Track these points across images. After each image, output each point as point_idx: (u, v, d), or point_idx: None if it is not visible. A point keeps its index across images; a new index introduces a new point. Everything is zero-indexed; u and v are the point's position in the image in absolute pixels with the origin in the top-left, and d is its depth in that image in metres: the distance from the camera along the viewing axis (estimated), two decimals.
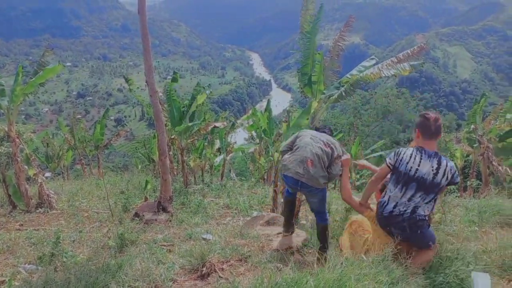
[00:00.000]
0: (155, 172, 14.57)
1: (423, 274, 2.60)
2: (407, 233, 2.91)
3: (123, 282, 2.75)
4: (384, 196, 3.18)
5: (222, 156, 12.24)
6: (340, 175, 3.83)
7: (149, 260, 3.34)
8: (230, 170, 12.98)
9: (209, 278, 3.00)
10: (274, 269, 2.92)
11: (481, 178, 9.82)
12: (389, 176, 3.33)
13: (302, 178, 3.47)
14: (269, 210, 6.42)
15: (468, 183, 10.59)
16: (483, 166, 9.02)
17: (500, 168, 8.31)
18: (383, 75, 4.73)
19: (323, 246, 3.70)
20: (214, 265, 3.12)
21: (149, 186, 5.95)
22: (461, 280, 2.55)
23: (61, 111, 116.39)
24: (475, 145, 10.23)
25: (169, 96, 8.36)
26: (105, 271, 2.80)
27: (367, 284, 2.14)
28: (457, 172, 3.00)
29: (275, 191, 6.12)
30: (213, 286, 2.85)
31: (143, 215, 4.81)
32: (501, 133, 9.46)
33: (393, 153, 3.19)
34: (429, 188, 2.92)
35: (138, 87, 9.39)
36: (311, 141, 3.64)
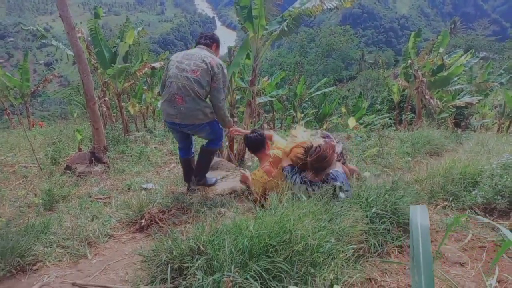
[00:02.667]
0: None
1: (360, 208, 2.67)
2: None
3: (50, 243, 2.51)
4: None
5: None
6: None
7: (81, 215, 3.10)
8: None
9: (148, 229, 2.86)
10: (217, 215, 2.85)
11: (415, 111, 10.44)
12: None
13: (175, 119, 3.14)
14: None
15: (404, 116, 11.23)
16: (417, 100, 9.53)
17: (432, 101, 8.83)
18: (325, 7, 4.51)
19: (198, 177, 3.48)
20: (154, 215, 2.97)
21: (79, 137, 5.45)
22: (393, 211, 2.67)
23: None
24: (410, 80, 10.70)
25: (95, 35, 7.47)
26: (29, 232, 2.52)
27: (307, 224, 2.13)
28: None
29: None
30: (153, 237, 2.72)
31: (76, 168, 4.42)
32: (434, 68, 9.94)
33: (286, 171, 3.00)
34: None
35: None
36: (176, 71, 3.12)
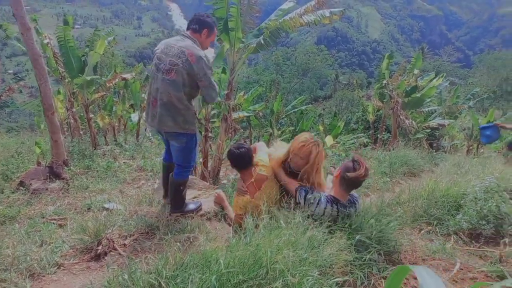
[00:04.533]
0: None
1: (344, 234, 2.45)
2: None
3: None
4: None
5: (137, 114, 11.15)
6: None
7: (29, 240, 2.70)
8: (145, 129, 12.01)
9: (106, 258, 2.50)
10: (185, 241, 2.53)
11: (390, 131, 10.52)
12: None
13: (154, 125, 2.91)
14: None
15: (379, 136, 11.30)
16: (393, 120, 9.59)
17: (407, 121, 8.90)
18: (304, 21, 4.38)
19: (175, 205, 3.19)
20: (113, 241, 2.61)
21: (38, 150, 4.99)
22: (379, 239, 2.46)
23: None
24: (385, 100, 10.83)
25: (64, 43, 7.06)
26: None
27: (286, 255, 1.86)
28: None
29: None
30: (110, 268, 2.37)
31: (30, 184, 3.98)
32: (408, 89, 10.10)
33: (303, 193, 2.59)
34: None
35: (40, 37, 7.63)
36: (155, 70, 2.86)
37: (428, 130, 10.29)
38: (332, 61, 51.49)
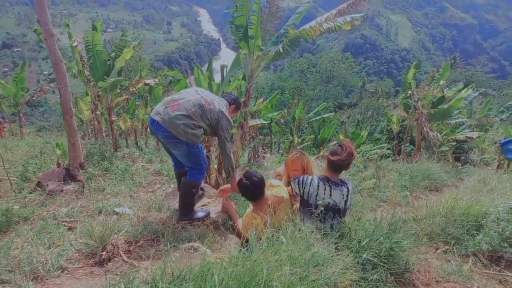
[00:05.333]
0: (83, 133, 13.36)
1: (351, 252, 2.34)
2: None
3: None
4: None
5: None
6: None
7: (38, 241, 2.74)
8: None
9: (110, 263, 2.50)
10: (188, 250, 2.51)
11: (414, 143, 10.18)
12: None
13: (157, 116, 3.00)
14: None
15: (402, 147, 10.97)
16: (417, 131, 9.29)
17: (431, 133, 8.59)
18: (323, 29, 4.30)
19: (183, 212, 3.25)
20: (118, 247, 2.61)
21: (58, 151, 5.14)
22: (388, 258, 2.34)
23: None
24: (410, 111, 10.52)
25: (91, 47, 7.29)
26: None
27: (284, 273, 1.78)
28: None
29: (207, 157, 5.64)
30: (113, 274, 2.37)
31: (47, 185, 4.08)
32: (434, 100, 9.76)
33: (297, 181, 2.89)
34: (343, 212, 2.84)
35: (72, 42, 7.96)
36: (193, 91, 3.23)
37: (454, 143, 9.88)
38: (358, 69, 50.66)
